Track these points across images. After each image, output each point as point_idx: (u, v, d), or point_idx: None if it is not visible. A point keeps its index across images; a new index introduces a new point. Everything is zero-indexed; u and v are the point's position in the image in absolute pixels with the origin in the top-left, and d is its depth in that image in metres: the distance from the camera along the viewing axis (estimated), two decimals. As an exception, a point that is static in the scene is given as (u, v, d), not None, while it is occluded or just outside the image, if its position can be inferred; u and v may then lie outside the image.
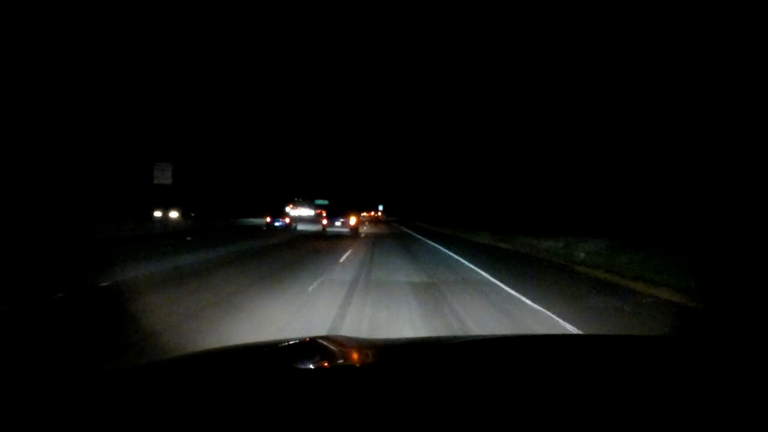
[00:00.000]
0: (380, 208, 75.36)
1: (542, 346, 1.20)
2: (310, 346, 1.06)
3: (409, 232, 22.59)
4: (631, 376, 0.85)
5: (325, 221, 18.21)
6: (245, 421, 0.58)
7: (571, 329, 3.98)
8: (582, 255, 9.49)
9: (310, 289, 5.53)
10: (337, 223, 17.58)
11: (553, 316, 4.44)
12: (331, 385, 0.76)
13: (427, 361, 0.99)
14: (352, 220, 17.75)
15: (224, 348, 1.15)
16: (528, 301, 5.15)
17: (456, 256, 10.46)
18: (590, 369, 0.91)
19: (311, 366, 0.92)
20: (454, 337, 2.01)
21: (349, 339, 1.23)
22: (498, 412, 0.65)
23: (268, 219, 25.99)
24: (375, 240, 15.72)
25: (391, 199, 77.34)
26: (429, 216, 45.08)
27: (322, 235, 16.62)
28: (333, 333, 3.82)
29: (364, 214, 76.51)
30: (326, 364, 0.94)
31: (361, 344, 1.19)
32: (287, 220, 25.48)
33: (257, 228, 23.47)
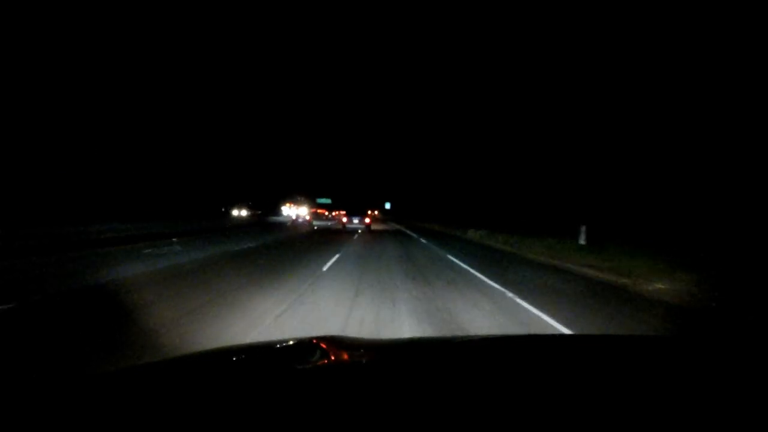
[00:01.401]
0: (387, 206, 70.15)
1: (542, 346, 1.21)
2: (311, 347, 1.06)
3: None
4: (630, 376, 0.85)
5: (345, 219, 24.19)
6: (246, 421, 0.58)
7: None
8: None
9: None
10: (355, 221, 23.73)
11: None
12: (332, 385, 0.77)
13: (427, 361, 1.00)
14: (367, 219, 24.30)
15: (225, 348, 1.15)
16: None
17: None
18: (589, 369, 0.91)
19: (312, 366, 0.93)
20: (455, 337, 2.29)
21: (349, 339, 1.24)
22: (497, 411, 0.65)
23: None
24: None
25: (390, 199, 76.21)
26: (428, 216, 45.69)
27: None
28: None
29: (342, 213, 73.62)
30: (327, 364, 0.95)
31: (362, 344, 1.21)
32: (308, 217, 34.29)
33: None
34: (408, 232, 24.87)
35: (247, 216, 40.62)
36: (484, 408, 0.67)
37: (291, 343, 1.16)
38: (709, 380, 0.83)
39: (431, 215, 43.30)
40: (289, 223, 30.93)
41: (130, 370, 0.94)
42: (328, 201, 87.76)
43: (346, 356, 1.02)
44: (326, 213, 64.01)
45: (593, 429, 0.60)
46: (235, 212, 41.51)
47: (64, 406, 0.66)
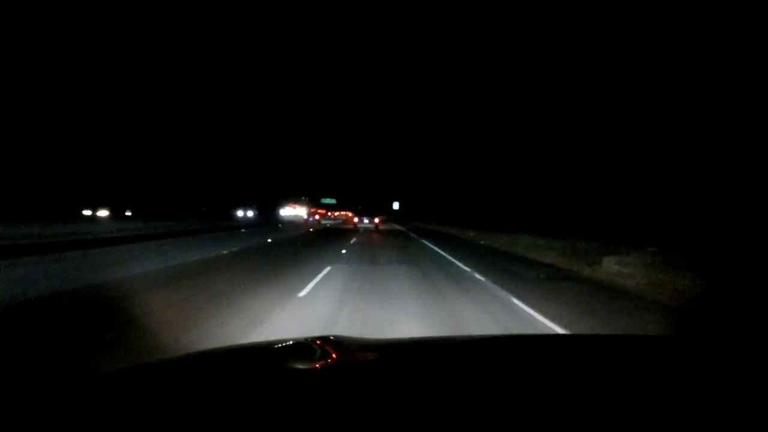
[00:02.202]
0: (395, 206, 63.17)
1: (543, 346, 1.21)
2: (310, 347, 1.04)
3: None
4: (629, 376, 0.85)
5: (356, 219, 29.28)
6: (245, 422, 0.58)
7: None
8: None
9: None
10: (366, 221, 27.61)
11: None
12: (331, 385, 0.76)
13: (426, 360, 1.00)
14: (376, 220, 27.86)
15: (224, 348, 1.16)
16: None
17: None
18: (589, 369, 0.91)
19: (311, 366, 0.91)
20: (455, 337, 1.97)
21: (348, 339, 1.22)
22: (496, 411, 0.65)
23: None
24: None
25: (399, 198, 68.54)
26: (446, 217, 38.22)
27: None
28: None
29: (345, 213, 69.55)
30: (326, 365, 0.93)
31: (361, 344, 1.19)
32: (317, 217, 38.40)
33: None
34: (440, 252, 13.03)
35: (108, 219, 29.78)
36: (484, 408, 0.66)
37: (290, 343, 1.10)
38: (708, 380, 0.82)
39: (452, 217, 35.21)
40: (302, 221, 35.87)
41: (130, 370, 0.92)
42: (332, 201, 79.36)
43: (345, 356, 1.00)
44: (327, 213, 61.29)
45: (593, 429, 0.60)
46: (87, 212, 31.30)
47: (64, 406, 0.65)
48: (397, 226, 33.50)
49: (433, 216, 42.98)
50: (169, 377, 0.82)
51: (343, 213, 71.88)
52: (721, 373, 0.86)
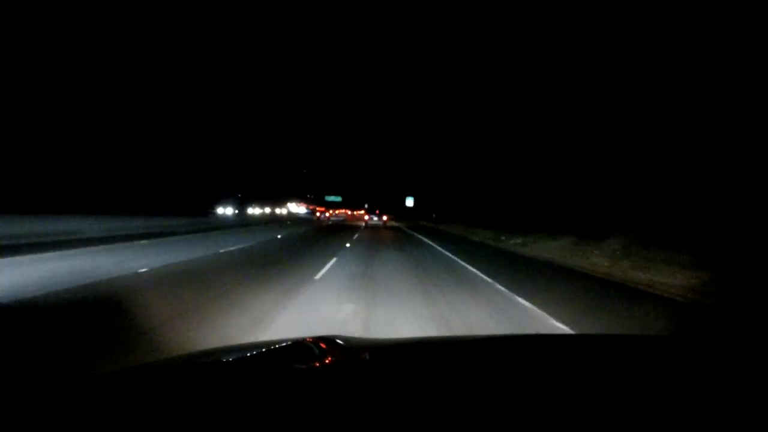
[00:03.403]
0: (409, 202, 56.94)
1: (544, 345, 1.22)
2: (310, 347, 1.05)
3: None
4: (631, 375, 0.86)
5: (366, 217, 33.66)
6: (244, 422, 0.59)
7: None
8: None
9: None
10: (375, 218, 31.93)
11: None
12: (331, 385, 0.77)
13: (427, 360, 1.02)
14: (384, 218, 32.25)
15: (223, 348, 1.23)
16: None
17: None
18: (589, 369, 0.92)
19: (311, 366, 0.93)
20: (454, 337, 2.11)
21: (348, 339, 1.24)
22: (496, 411, 0.65)
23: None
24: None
25: (414, 193, 59.65)
26: (463, 216, 31.98)
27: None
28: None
29: (344, 211, 66.21)
30: (326, 365, 0.95)
31: (361, 344, 1.24)
32: (327, 214, 45.57)
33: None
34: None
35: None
36: (484, 408, 0.66)
37: (290, 342, 1.11)
38: (710, 380, 0.83)
39: (501, 216, 22.91)
40: (314, 219, 41.98)
41: (129, 371, 0.94)
42: (338, 199, 76.28)
43: (345, 356, 1.02)
44: (325, 211, 59.80)
45: (594, 429, 0.60)
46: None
47: (64, 406, 0.65)
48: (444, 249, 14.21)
49: (465, 215, 31.31)
50: (168, 378, 0.84)
51: (342, 211, 68.72)
52: (723, 373, 0.87)
